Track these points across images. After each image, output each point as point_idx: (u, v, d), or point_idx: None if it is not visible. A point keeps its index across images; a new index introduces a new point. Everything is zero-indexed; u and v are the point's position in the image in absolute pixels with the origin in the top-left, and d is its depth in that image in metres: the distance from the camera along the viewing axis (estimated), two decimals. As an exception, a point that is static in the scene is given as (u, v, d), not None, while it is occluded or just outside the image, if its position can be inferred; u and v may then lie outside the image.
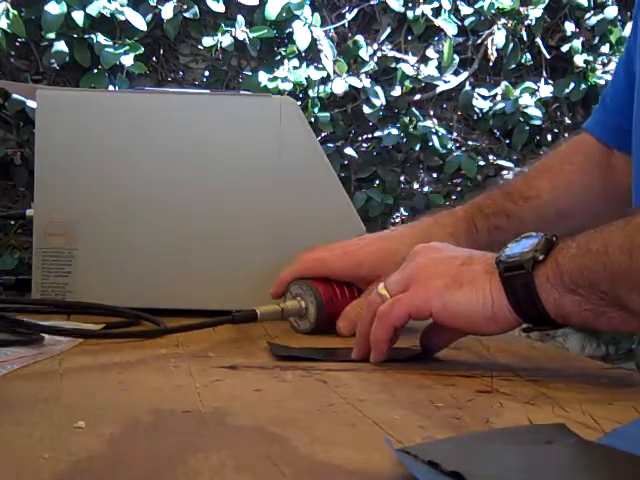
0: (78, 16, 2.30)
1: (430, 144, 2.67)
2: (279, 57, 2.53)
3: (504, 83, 2.69)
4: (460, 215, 0.88)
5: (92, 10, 2.31)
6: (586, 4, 2.72)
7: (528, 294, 0.60)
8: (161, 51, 2.54)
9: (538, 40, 2.73)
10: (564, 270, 0.59)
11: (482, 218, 0.88)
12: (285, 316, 0.80)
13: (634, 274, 0.56)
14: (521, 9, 2.64)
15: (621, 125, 0.90)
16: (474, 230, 0.87)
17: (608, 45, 2.74)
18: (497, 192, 0.92)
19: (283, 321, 0.82)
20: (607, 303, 0.58)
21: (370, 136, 2.71)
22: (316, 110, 2.53)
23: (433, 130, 2.66)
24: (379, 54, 2.62)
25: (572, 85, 2.74)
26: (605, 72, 2.71)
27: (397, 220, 2.76)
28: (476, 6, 2.64)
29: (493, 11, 2.63)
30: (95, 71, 2.39)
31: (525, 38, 2.69)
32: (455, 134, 2.78)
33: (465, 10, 2.63)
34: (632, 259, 0.56)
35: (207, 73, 2.58)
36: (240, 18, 2.45)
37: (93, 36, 2.34)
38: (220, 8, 2.46)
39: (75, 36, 2.36)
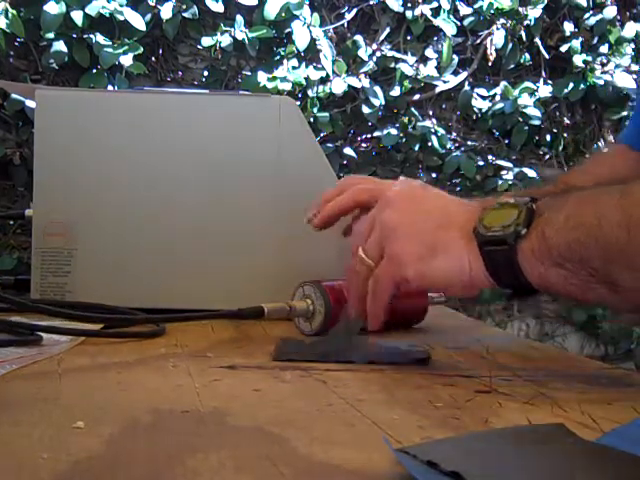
0: (77, 16, 2.30)
1: (429, 144, 2.67)
2: (278, 57, 2.53)
3: (503, 83, 2.70)
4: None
5: (91, 10, 2.31)
6: (585, 4, 2.72)
7: (510, 267, 0.59)
8: (160, 51, 2.54)
9: (537, 40, 2.73)
10: (552, 244, 0.57)
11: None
12: (292, 315, 0.80)
13: (630, 252, 0.54)
14: (520, 9, 2.64)
15: None
16: None
17: (607, 45, 2.75)
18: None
19: (285, 321, 0.82)
20: (596, 280, 0.56)
21: (369, 136, 2.71)
22: (315, 110, 2.53)
23: (432, 130, 2.67)
24: (378, 54, 2.62)
25: (571, 85, 2.75)
26: (604, 72, 2.72)
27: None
28: (475, 6, 2.64)
29: (492, 11, 2.63)
30: (94, 71, 2.39)
31: (524, 38, 2.69)
32: (454, 134, 2.79)
33: (464, 10, 2.63)
34: (630, 236, 0.53)
35: (206, 73, 2.58)
36: (239, 18, 2.45)
37: (92, 36, 2.34)
38: (219, 8, 2.46)
39: (74, 36, 2.36)
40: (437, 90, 2.69)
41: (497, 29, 2.64)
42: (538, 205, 0.60)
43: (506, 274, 0.60)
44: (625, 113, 2.86)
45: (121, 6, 2.34)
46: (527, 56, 2.74)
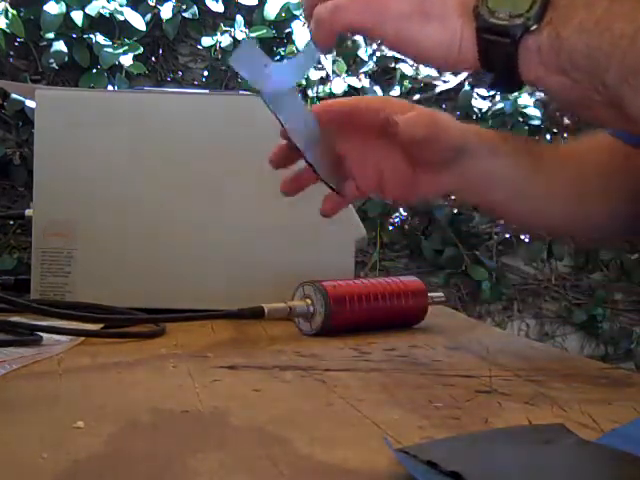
0: (77, 16, 2.30)
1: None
2: (278, 57, 2.53)
3: (503, 83, 2.69)
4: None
5: (91, 10, 2.31)
6: (585, 4, 2.72)
7: (505, 62, 0.52)
8: (160, 51, 2.54)
9: (537, 40, 2.73)
10: (566, 47, 0.49)
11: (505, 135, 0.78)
12: (292, 316, 0.80)
13: None
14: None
15: None
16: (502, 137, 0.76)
17: (607, 45, 2.74)
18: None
19: (285, 321, 0.82)
20: (602, 98, 0.50)
21: (369, 136, 2.71)
22: (315, 110, 2.53)
23: (432, 130, 2.66)
24: (378, 54, 2.62)
25: (571, 85, 2.74)
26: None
27: (396, 220, 2.76)
28: (475, 6, 2.64)
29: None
30: (94, 71, 2.39)
31: (524, 38, 2.69)
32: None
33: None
34: None
35: (206, 73, 2.58)
36: (239, 18, 2.45)
37: (92, 36, 2.34)
38: (219, 8, 2.46)
39: (74, 36, 2.36)
40: (437, 90, 2.69)
41: (497, 29, 2.64)
42: None
43: (499, 66, 0.52)
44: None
45: (121, 6, 2.34)
46: (527, 56, 2.74)
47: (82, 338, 0.73)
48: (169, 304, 0.89)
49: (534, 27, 0.50)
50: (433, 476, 0.36)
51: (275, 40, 2.55)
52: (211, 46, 2.46)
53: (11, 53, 2.44)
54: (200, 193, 0.92)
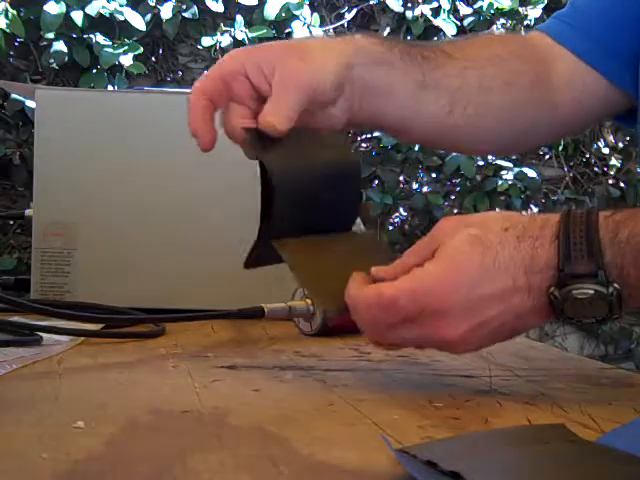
0: (77, 16, 2.30)
1: (429, 144, 2.67)
2: (278, 57, 2.53)
3: (503, 83, 2.70)
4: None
5: (91, 10, 2.31)
6: (585, 4, 2.72)
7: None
8: (160, 51, 2.54)
9: (537, 40, 2.73)
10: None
11: (396, 42, 0.73)
12: (292, 315, 0.80)
13: None
14: (520, 9, 2.64)
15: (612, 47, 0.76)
16: (387, 45, 0.72)
17: (607, 45, 2.75)
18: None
19: (285, 321, 0.82)
20: None
21: (369, 136, 2.71)
22: (315, 110, 2.53)
23: (432, 130, 2.66)
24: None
25: (571, 85, 2.75)
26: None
27: (396, 220, 2.76)
28: (475, 6, 2.64)
29: (492, 11, 2.63)
30: (94, 71, 2.39)
31: (524, 38, 2.69)
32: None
33: (464, 10, 2.63)
34: None
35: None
36: (239, 18, 2.45)
37: (92, 36, 2.34)
38: (219, 8, 2.46)
39: (74, 36, 2.36)
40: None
41: (497, 29, 2.64)
42: (625, 277, 0.53)
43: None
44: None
45: (121, 6, 2.34)
46: (527, 56, 2.74)
47: (82, 338, 0.73)
48: (169, 304, 0.89)
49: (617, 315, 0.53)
50: (433, 476, 0.36)
51: (275, 40, 2.55)
52: (211, 46, 2.46)
53: (11, 53, 2.44)
54: (200, 192, 0.92)
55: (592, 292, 0.52)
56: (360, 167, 0.67)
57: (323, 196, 0.64)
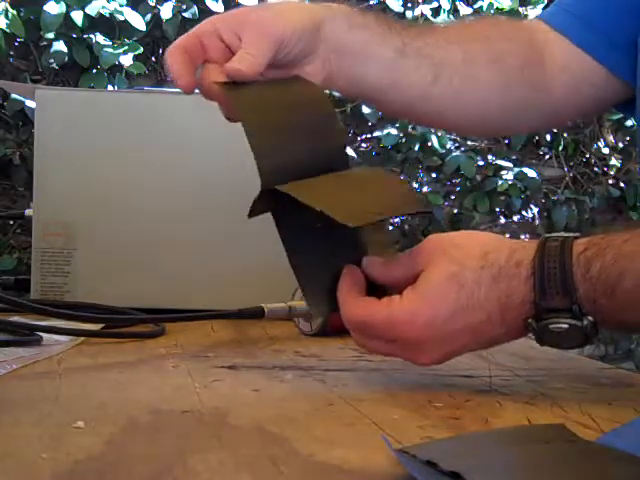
0: (77, 16, 2.30)
1: (429, 144, 2.67)
2: (278, 57, 2.53)
3: (503, 83, 2.69)
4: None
5: (91, 10, 2.31)
6: (585, 4, 2.72)
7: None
8: (160, 51, 2.54)
9: (537, 40, 2.73)
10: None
11: (373, 12, 0.72)
12: (292, 315, 0.80)
13: None
14: (520, 9, 2.64)
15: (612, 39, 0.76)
16: (363, 11, 0.71)
17: (607, 45, 2.74)
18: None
19: (285, 321, 0.82)
20: None
21: (369, 136, 2.71)
22: (315, 110, 2.53)
23: (432, 130, 2.67)
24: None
25: (571, 85, 2.74)
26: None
27: (396, 220, 2.76)
28: (475, 6, 2.64)
29: (492, 11, 2.63)
30: (94, 71, 2.39)
31: (524, 38, 2.69)
32: (454, 134, 2.78)
33: (464, 10, 2.63)
34: None
35: (206, 73, 2.58)
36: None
37: (92, 36, 2.34)
38: (219, 8, 2.46)
39: (74, 36, 2.36)
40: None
41: (497, 29, 2.64)
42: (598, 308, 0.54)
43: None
44: (625, 113, 2.85)
45: (121, 6, 2.34)
46: (527, 56, 2.74)
47: (82, 338, 0.73)
48: (169, 304, 0.89)
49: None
50: (433, 476, 0.36)
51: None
52: (211, 46, 2.45)
53: (11, 53, 2.44)
54: (200, 192, 0.92)
55: (567, 326, 0.54)
56: (327, 100, 0.65)
57: (301, 134, 0.63)
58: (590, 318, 0.54)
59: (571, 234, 0.56)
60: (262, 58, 0.63)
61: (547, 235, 0.56)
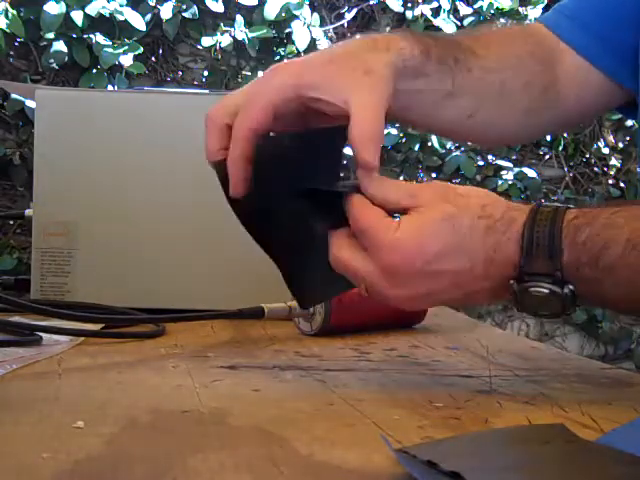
0: (77, 16, 2.30)
1: (429, 144, 2.67)
2: (278, 57, 2.53)
3: (503, 83, 2.70)
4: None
5: (91, 10, 2.31)
6: (585, 4, 2.72)
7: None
8: (160, 51, 2.54)
9: (537, 40, 2.73)
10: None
11: (434, 47, 0.70)
12: (292, 315, 0.80)
13: None
14: (520, 9, 2.64)
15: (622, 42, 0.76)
16: (425, 52, 0.69)
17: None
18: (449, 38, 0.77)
19: (285, 321, 0.82)
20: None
21: (369, 136, 2.71)
22: (315, 110, 2.53)
23: (432, 130, 2.66)
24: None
25: (571, 85, 2.74)
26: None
27: (396, 220, 2.76)
28: (475, 6, 2.64)
29: (492, 11, 2.63)
30: (94, 71, 2.39)
31: (524, 38, 2.69)
32: (454, 134, 2.78)
33: (464, 10, 2.63)
34: None
35: (206, 73, 2.58)
36: (239, 18, 2.45)
37: (92, 36, 2.34)
38: (219, 8, 2.46)
39: (74, 36, 2.36)
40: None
41: (497, 29, 2.64)
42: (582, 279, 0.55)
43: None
44: (625, 113, 2.85)
45: (121, 6, 2.34)
46: (527, 56, 2.74)
47: (82, 338, 0.73)
48: (169, 304, 0.89)
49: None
50: (433, 476, 0.36)
51: (275, 40, 2.55)
52: (211, 46, 2.46)
53: (11, 53, 2.44)
54: (200, 192, 0.92)
55: (547, 291, 0.55)
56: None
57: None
58: (571, 287, 0.54)
59: (565, 205, 0.57)
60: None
61: (542, 203, 0.57)
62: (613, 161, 2.93)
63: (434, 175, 2.77)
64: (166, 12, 2.40)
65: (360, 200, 0.58)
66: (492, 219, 0.56)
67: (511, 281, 0.55)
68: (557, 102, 0.79)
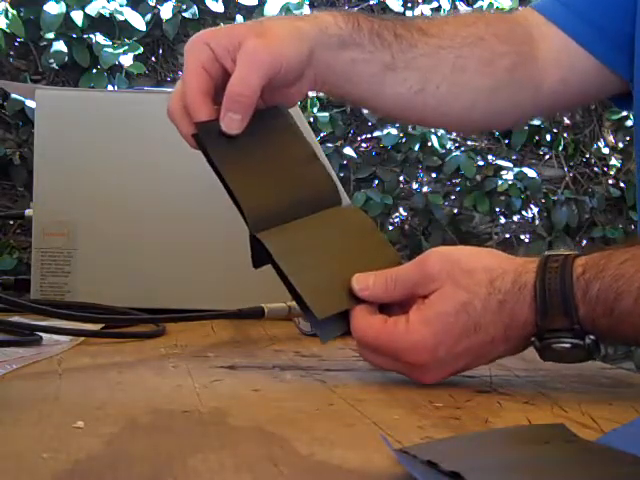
0: (77, 16, 2.31)
1: (429, 144, 2.67)
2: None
3: (503, 83, 2.69)
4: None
5: (91, 10, 2.31)
6: (585, 4, 2.72)
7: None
8: (160, 51, 2.54)
9: (537, 40, 2.73)
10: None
11: (367, 21, 0.72)
12: (292, 315, 0.80)
13: None
14: (520, 8, 2.64)
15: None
16: (356, 24, 0.70)
17: (607, 45, 2.74)
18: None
19: (285, 321, 0.82)
20: None
21: (369, 136, 2.71)
22: (315, 110, 2.53)
23: (432, 130, 2.67)
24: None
25: (571, 85, 2.74)
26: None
27: (396, 220, 2.76)
28: (475, 6, 2.64)
29: (492, 11, 2.63)
30: (94, 71, 2.39)
31: (524, 38, 2.69)
32: (454, 134, 2.78)
33: (464, 10, 2.63)
34: None
35: (206, 73, 2.58)
36: (239, 18, 2.45)
37: (92, 36, 2.34)
38: (219, 8, 2.46)
39: (74, 36, 2.36)
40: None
41: (497, 29, 2.64)
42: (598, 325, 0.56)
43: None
44: (625, 113, 2.85)
45: (121, 6, 2.34)
46: (527, 56, 2.74)
47: (82, 338, 0.73)
48: (169, 304, 0.89)
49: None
50: (433, 476, 0.36)
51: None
52: (211, 46, 2.45)
53: (11, 53, 2.44)
54: (200, 192, 0.92)
55: (569, 345, 0.56)
56: (309, 145, 0.66)
57: (284, 178, 0.64)
58: (592, 337, 0.55)
59: (571, 252, 0.57)
60: (256, 90, 0.63)
61: (547, 253, 0.57)
62: (613, 161, 2.93)
63: (434, 175, 2.78)
64: (166, 12, 2.40)
65: (358, 312, 0.59)
66: (502, 293, 0.56)
67: (532, 339, 0.57)
68: (532, 83, 0.78)
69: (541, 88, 0.78)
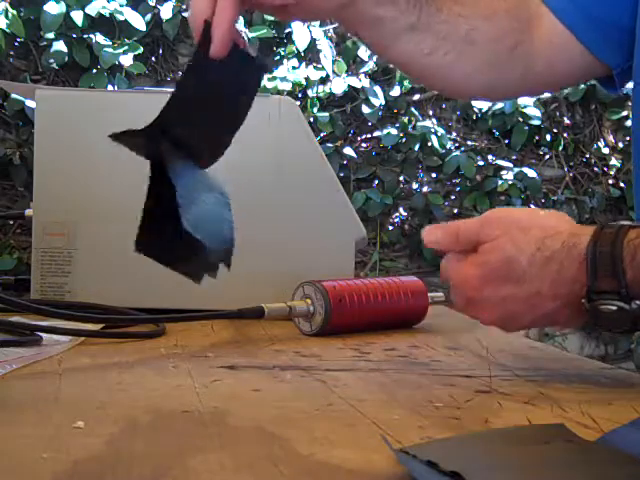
0: (77, 16, 2.31)
1: (429, 144, 2.67)
2: (278, 57, 2.53)
3: (503, 83, 2.69)
4: None
5: (91, 10, 2.31)
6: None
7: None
8: (160, 51, 2.54)
9: (537, 40, 2.72)
10: None
11: None
12: (292, 315, 0.80)
13: None
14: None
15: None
16: None
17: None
18: None
19: (285, 321, 0.82)
20: None
21: (369, 136, 2.71)
22: (315, 110, 2.53)
23: (432, 130, 2.67)
24: (378, 54, 2.62)
25: (571, 85, 2.74)
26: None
27: (396, 220, 2.76)
28: None
29: None
30: (94, 71, 2.40)
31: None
32: (454, 134, 2.79)
33: None
34: None
35: (206, 73, 2.57)
36: (239, 18, 2.45)
37: (92, 36, 2.35)
38: (219, 8, 2.46)
39: (74, 36, 2.36)
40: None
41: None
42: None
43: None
44: (625, 113, 2.86)
45: (121, 6, 2.34)
46: (527, 56, 2.74)
47: (82, 338, 0.73)
48: (169, 304, 0.89)
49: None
50: (433, 476, 0.36)
51: (275, 40, 2.55)
52: (211, 46, 2.45)
53: (11, 53, 2.44)
54: (200, 193, 0.92)
55: (615, 308, 0.57)
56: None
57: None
58: (638, 302, 0.56)
59: (628, 222, 0.59)
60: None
61: (605, 223, 0.60)
62: (613, 161, 2.93)
63: (434, 175, 2.77)
64: (166, 12, 2.40)
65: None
66: (549, 250, 0.59)
67: (582, 300, 0.58)
68: (526, 62, 0.80)
69: (532, 68, 0.80)
